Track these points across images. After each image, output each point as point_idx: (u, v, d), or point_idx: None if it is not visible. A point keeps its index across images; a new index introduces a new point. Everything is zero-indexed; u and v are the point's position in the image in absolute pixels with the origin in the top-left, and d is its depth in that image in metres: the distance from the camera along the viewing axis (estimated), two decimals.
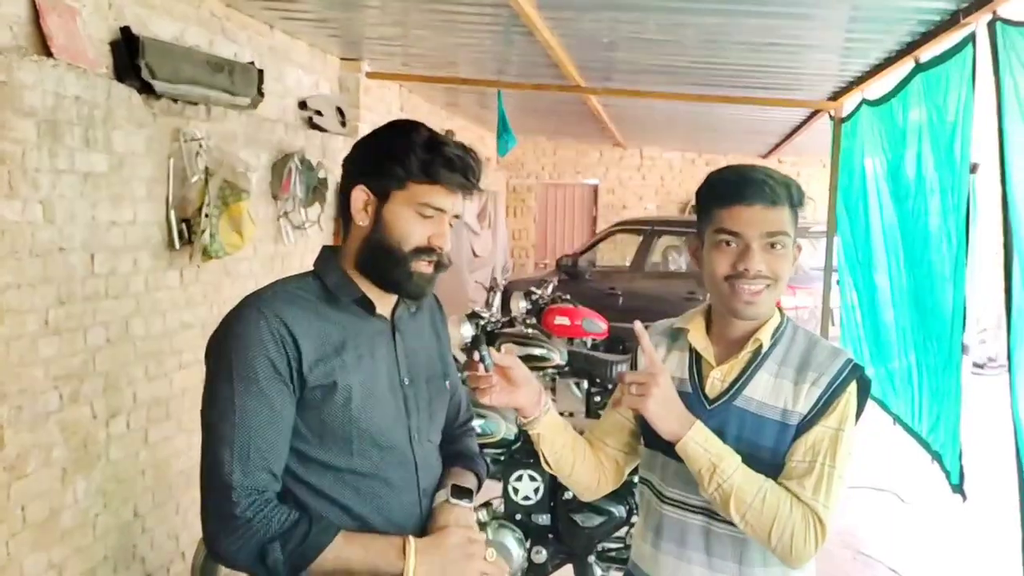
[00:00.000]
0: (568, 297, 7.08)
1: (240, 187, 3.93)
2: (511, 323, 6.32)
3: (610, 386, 5.84)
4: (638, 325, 1.75)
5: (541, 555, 3.58)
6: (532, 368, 5.31)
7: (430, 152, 1.61)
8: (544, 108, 8.74)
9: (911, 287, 4.52)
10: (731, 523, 1.64)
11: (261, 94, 4.50)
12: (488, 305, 6.79)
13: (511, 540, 3.53)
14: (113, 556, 3.54)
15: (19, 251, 2.94)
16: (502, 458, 3.64)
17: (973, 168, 3.71)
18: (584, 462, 1.87)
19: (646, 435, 1.82)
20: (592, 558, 3.60)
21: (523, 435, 3.58)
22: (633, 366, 1.92)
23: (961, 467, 3.82)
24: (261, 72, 4.52)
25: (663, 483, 1.78)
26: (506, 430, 3.57)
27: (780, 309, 1.78)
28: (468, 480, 1.85)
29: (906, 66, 4.41)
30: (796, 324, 1.79)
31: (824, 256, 6.18)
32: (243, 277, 4.43)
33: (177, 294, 3.91)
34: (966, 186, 3.66)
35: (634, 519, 3.49)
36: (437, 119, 8.13)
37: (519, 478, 3.59)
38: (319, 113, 5.51)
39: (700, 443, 1.62)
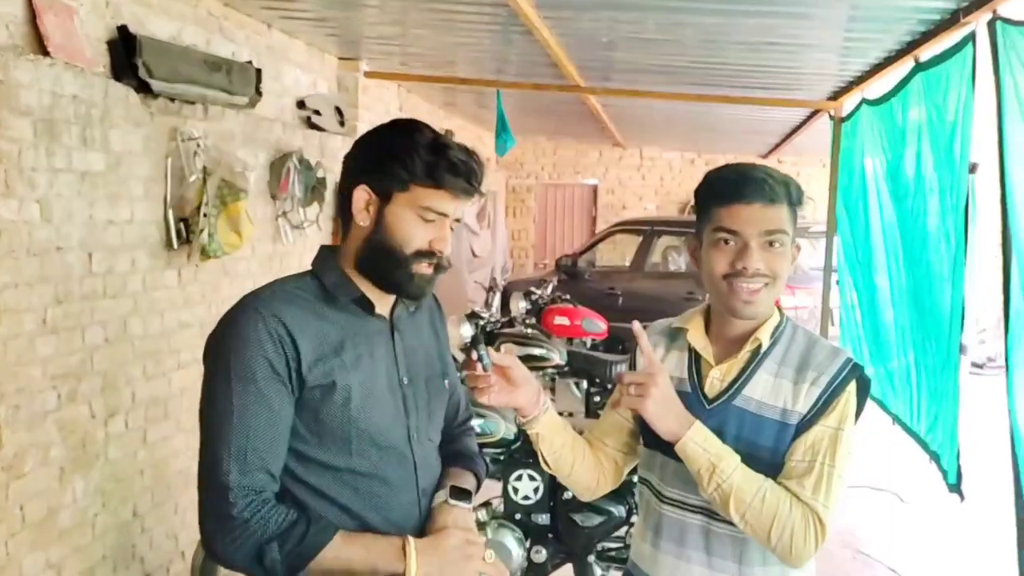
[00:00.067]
0: (567, 297, 7.08)
1: (238, 186, 3.93)
2: (510, 323, 6.31)
3: (609, 386, 5.84)
4: (636, 325, 1.75)
5: (541, 555, 3.57)
6: (531, 368, 5.30)
7: (434, 155, 1.60)
8: (543, 108, 8.74)
9: (910, 287, 4.51)
10: (730, 523, 1.63)
11: (259, 93, 4.49)
12: (488, 305, 6.79)
13: (511, 540, 3.52)
14: (112, 556, 3.53)
15: (16, 250, 2.94)
16: (502, 458, 3.64)
17: (972, 168, 3.71)
18: (583, 462, 1.86)
19: (645, 435, 1.81)
20: (592, 558, 3.60)
21: (523, 435, 3.57)
22: (632, 366, 1.91)
23: (959, 467, 3.81)
24: (259, 71, 4.51)
25: (662, 483, 1.77)
26: (505, 430, 3.57)
27: (779, 308, 1.77)
28: (467, 480, 1.84)
29: (906, 65, 4.40)
30: (795, 323, 1.79)
31: (824, 256, 6.18)
32: (241, 277, 4.42)
33: (175, 293, 3.90)
34: (965, 186, 3.65)
35: (634, 519, 3.49)
36: (436, 119, 8.12)
37: (519, 478, 3.59)
38: (317, 112, 5.50)
39: (699, 443, 1.62)
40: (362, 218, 1.64)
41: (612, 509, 3.50)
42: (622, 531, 3.60)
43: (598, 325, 6.71)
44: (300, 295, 1.63)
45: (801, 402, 1.65)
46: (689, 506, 1.73)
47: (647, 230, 9.68)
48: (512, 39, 5.16)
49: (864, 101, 5.33)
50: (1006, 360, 3.11)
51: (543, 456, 1.82)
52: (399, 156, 1.60)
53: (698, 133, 10.55)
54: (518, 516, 3.60)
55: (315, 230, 5.24)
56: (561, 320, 6.59)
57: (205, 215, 3.81)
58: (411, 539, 1.59)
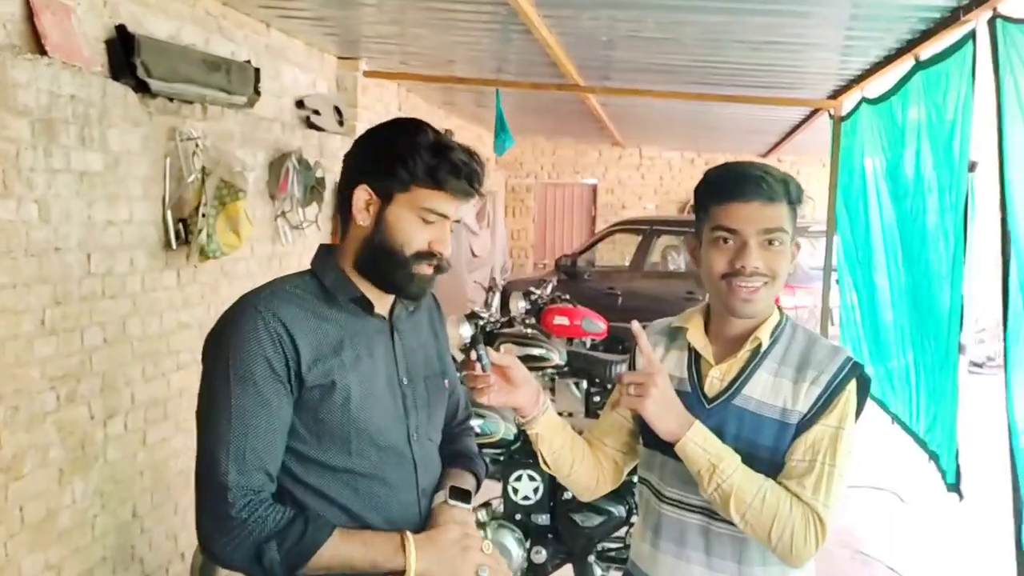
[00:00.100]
0: (567, 297, 7.07)
1: (237, 186, 3.92)
2: (510, 323, 6.31)
3: (609, 386, 5.83)
4: (636, 325, 1.74)
5: (541, 555, 3.57)
6: (531, 368, 5.30)
7: (436, 156, 1.59)
8: (543, 107, 8.73)
9: (909, 286, 4.51)
10: (730, 522, 1.63)
11: (258, 93, 4.48)
12: (487, 305, 6.78)
13: (510, 540, 3.52)
14: (111, 557, 3.52)
15: (14, 251, 2.93)
16: (501, 458, 3.63)
17: (972, 166, 3.70)
18: (583, 462, 1.86)
19: (645, 434, 1.80)
20: (592, 558, 3.59)
21: (522, 435, 3.57)
22: (631, 366, 1.91)
23: (957, 466, 3.81)
24: (258, 71, 4.50)
25: (662, 482, 1.77)
26: (505, 430, 3.57)
27: (779, 307, 1.77)
28: (467, 481, 1.84)
29: (906, 64, 4.40)
30: (795, 322, 1.78)
31: (823, 255, 6.18)
32: (240, 277, 4.42)
33: (174, 294, 3.89)
34: (964, 185, 3.65)
35: (633, 519, 3.49)
36: (435, 118, 8.11)
37: (518, 478, 3.58)
38: (316, 112, 5.50)
39: (699, 443, 1.61)
40: (362, 218, 1.63)
41: (612, 509, 3.49)
42: (622, 531, 3.60)
43: (598, 325, 6.71)
44: (299, 294, 1.62)
45: (801, 401, 1.65)
46: (689, 506, 1.72)
47: (646, 230, 9.68)
48: (511, 38, 5.15)
49: (864, 100, 5.32)
50: (1004, 359, 3.11)
51: (542, 456, 1.81)
52: (401, 157, 1.59)
53: (697, 132, 10.55)
54: (518, 516, 3.59)
55: (314, 230, 5.23)
56: (561, 320, 6.58)
57: (204, 215, 3.80)
58: (409, 534, 1.59)
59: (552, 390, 5.96)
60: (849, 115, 5.78)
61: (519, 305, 6.69)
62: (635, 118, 9.48)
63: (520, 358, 1.79)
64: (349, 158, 1.69)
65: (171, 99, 3.76)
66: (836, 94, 6.02)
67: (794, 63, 5.31)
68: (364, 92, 6.24)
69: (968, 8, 3.50)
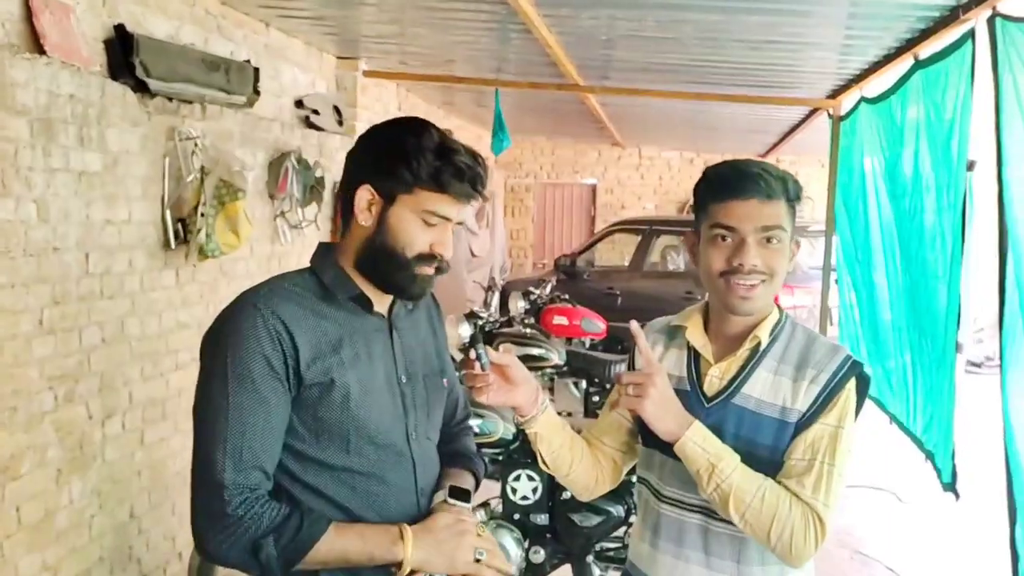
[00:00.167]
0: (566, 297, 7.07)
1: (236, 186, 3.91)
2: (509, 323, 6.30)
3: (608, 386, 5.83)
4: (635, 325, 1.74)
5: (539, 555, 3.56)
6: (530, 368, 5.29)
7: (440, 159, 1.59)
8: (542, 107, 8.73)
9: (907, 286, 4.51)
10: (729, 522, 1.63)
11: (257, 93, 4.48)
12: (486, 305, 6.78)
13: (509, 540, 3.51)
14: (109, 557, 3.52)
15: (12, 250, 2.92)
16: (500, 458, 3.63)
17: (970, 165, 3.70)
18: (582, 461, 1.85)
19: (644, 434, 1.80)
20: (590, 558, 3.59)
21: (521, 435, 3.56)
22: (630, 366, 1.91)
23: (954, 466, 3.81)
24: (257, 70, 4.50)
25: (661, 482, 1.76)
26: (504, 430, 3.56)
27: (779, 306, 1.76)
28: (466, 481, 1.84)
29: (905, 63, 4.40)
30: (795, 321, 1.78)
31: (823, 255, 6.18)
32: (239, 277, 4.41)
33: (173, 294, 3.89)
34: (963, 183, 3.64)
35: (632, 519, 3.48)
36: (435, 118, 8.09)
37: (517, 478, 3.58)
38: (316, 112, 5.49)
39: (698, 443, 1.61)
40: (364, 218, 1.63)
41: (610, 509, 3.49)
42: (620, 531, 3.59)
43: (597, 325, 6.71)
44: (298, 292, 1.62)
45: (800, 400, 1.64)
46: (688, 505, 1.72)
47: (646, 230, 9.68)
48: (511, 37, 5.15)
49: (863, 99, 5.32)
50: (1000, 358, 3.11)
51: (541, 456, 1.81)
52: (405, 158, 1.59)
53: (697, 132, 10.55)
54: (516, 516, 3.59)
55: (313, 230, 5.23)
56: (560, 320, 6.58)
57: (203, 215, 3.80)
58: (406, 526, 1.60)
59: (551, 390, 5.96)
60: (848, 114, 5.78)
61: (518, 305, 6.69)
62: (634, 118, 9.48)
63: (519, 358, 1.78)
64: (352, 157, 1.68)
65: (170, 99, 3.76)
66: (835, 93, 6.02)
67: (793, 62, 5.31)
68: (363, 92, 6.24)
69: (967, 7, 3.50)
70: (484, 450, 3.49)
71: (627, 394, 1.64)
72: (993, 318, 3.11)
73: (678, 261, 9.65)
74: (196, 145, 3.82)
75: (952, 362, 3.81)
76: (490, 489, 3.53)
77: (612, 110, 8.76)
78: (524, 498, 3.58)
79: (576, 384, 6.05)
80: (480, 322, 5.82)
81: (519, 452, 3.61)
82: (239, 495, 1.50)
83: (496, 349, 1.72)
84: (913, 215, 4.32)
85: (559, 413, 1.86)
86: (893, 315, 4.86)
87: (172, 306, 3.88)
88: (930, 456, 4.13)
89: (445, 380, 1.86)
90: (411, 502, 1.70)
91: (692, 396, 1.72)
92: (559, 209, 13.99)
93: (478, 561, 1.62)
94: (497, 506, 3.67)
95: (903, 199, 4.50)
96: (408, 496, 1.70)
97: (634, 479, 1.93)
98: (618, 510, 3.49)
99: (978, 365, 9.64)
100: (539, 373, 5.76)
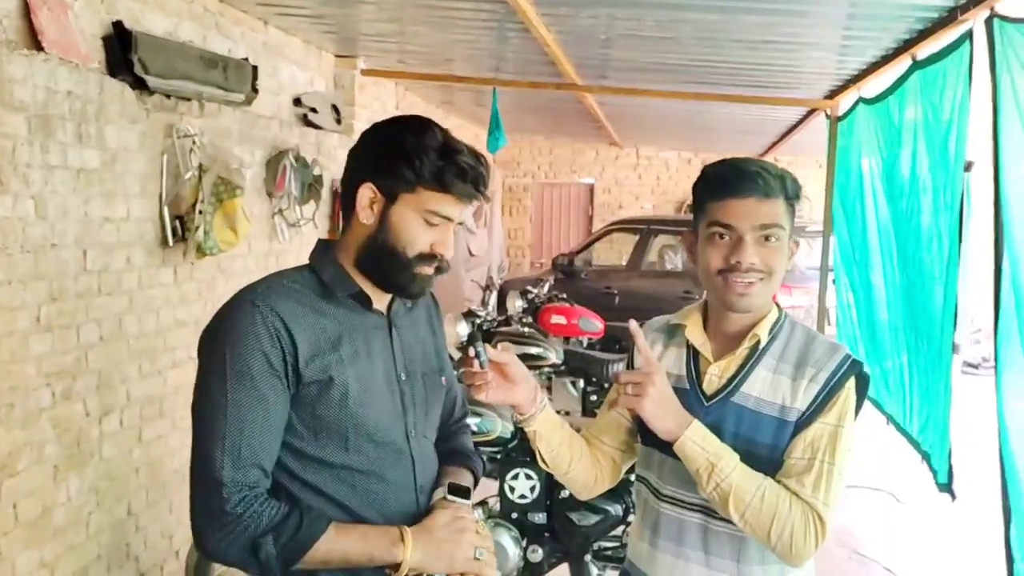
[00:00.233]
0: (564, 296, 7.07)
1: (234, 184, 3.91)
2: (507, 322, 6.30)
3: (606, 385, 5.83)
4: (633, 324, 1.74)
5: (537, 554, 3.56)
6: (528, 367, 5.29)
7: (443, 159, 1.58)
8: (540, 106, 8.73)
9: (904, 286, 4.52)
10: (729, 521, 1.62)
11: (255, 90, 4.48)
12: (484, 304, 6.79)
13: (507, 539, 3.51)
14: (106, 554, 3.52)
15: (10, 247, 2.92)
16: (498, 457, 3.63)
17: (968, 166, 3.70)
18: (581, 460, 1.85)
19: (643, 433, 1.80)
20: (588, 557, 3.59)
21: (519, 433, 3.56)
22: (629, 365, 1.91)
23: (950, 466, 3.81)
24: (255, 68, 4.49)
25: (660, 481, 1.76)
26: (502, 428, 3.56)
27: (778, 305, 1.76)
28: (465, 478, 1.84)
29: (903, 64, 4.40)
30: (794, 320, 1.78)
31: (820, 255, 6.18)
32: (237, 274, 4.41)
33: (171, 291, 3.88)
34: (960, 184, 3.65)
35: (630, 518, 3.48)
36: (433, 117, 8.04)
37: (515, 477, 3.58)
38: (314, 110, 5.49)
39: (698, 442, 1.61)
40: (365, 216, 1.62)
41: (609, 508, 3.49)
42: (619, 530, 3.59)
43: (595, 324, 6.71)
44: (297, 289, 1.62)
45: (800, 399, 1.64)
46: (687, 504, 1.72)
47: (643, 229, 9.70)
48: (509, 37, 5.15)
49: (861, 100, 5.32)
50: (995, 360, 3.12)
51: (540, 454, 1.81)
52: (408, 157, 1.58)
53: (694, 132, 10.55)
54: (514, 515, 3.59)
55: (311, 228, 5.22)
56: (558, 319, 6.58)
57: (201, 212, 3.80)
58: (407, 528, 1.59)
59: (549, 389, 5.96)
60: (846, 115, 5.78)
61: (516, 304, 6.69)
62: (632, 118, 9.48)
63: (517, 357, 1.78)
64: (354, 154, 1.68)
65: (168, 96, 3.75)
66: (833, 94, 6.02)
67: (791, 62, 5.31)
68: (362, 90, 6.23)
69: (965, 7, 3.50)
70: (482, 449, 3.49)
71: (626, 393, 1.64)
72: (990, 319, 3.11)
73: (676, 261, 9.66)
74: (194, 142, 3.82)
75: (948, 363, 3.82)
76: (488, 488, 3.53)
77: (610, 110, 8.76)
78: (522, 497, 3.58)
79: (574, 383, 6.05)
80: (478, 321, 5.82)
81: (517, 451, 3.61)
82: (238, 493, 1.49)
83: (494, 348, 1.72)
84: (910, 216, 4.32)
85: (557, 412, 1.85)
86: (890, 316, 4.86)
87: (170, 303, 3.88)
88: (926, 457, 4.14)
89: (444, 378, 1.86)
90: (410, 500, 1.70)
91: (691, 395, 1.72)
92: (557, 208, 14.00)
93: (477, 559, 1.62)
94: (495, 505, 3.67)
95: (900, 200, 4.50)
96: (407, 494, 1.69)
97: (632, 478, 1.93)
98: (616, 509, 3.49)
99: (975, 366, 9.65)
100: (537, 372, 5.76)
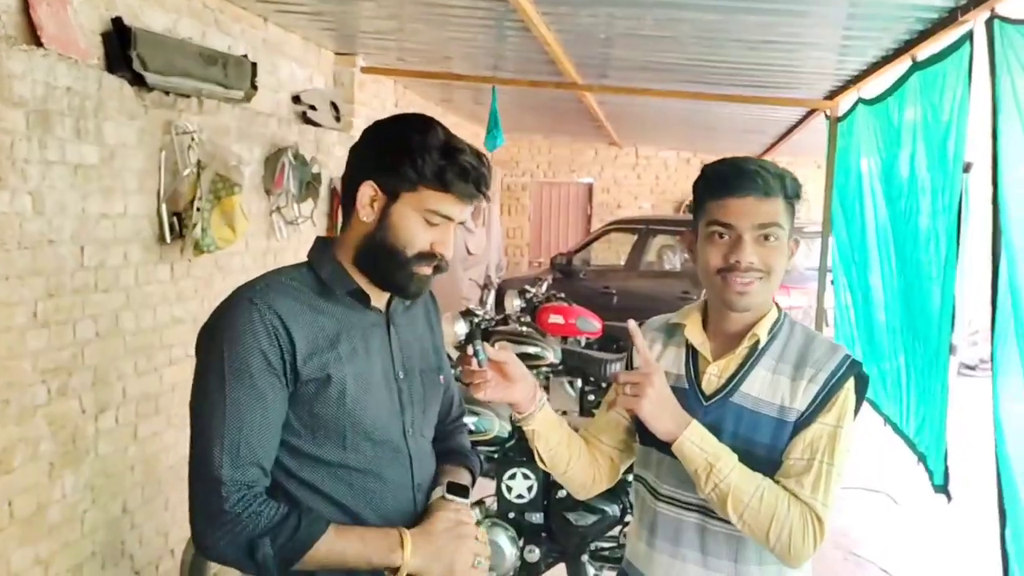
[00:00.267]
0: (562, 296, 7.07)
1: (233, 181, 3.90)
2: (505, 321, 6.30)
3: (604, 385, 5.84)
4: (632, 324, 1.73)
5: (534, 554, 3.56)
6: (526, 366, 5.29)
7: (446, 158, 1.58)
8: (540, 105, 8.73)
9: (902, 287, 4.51)
10: (726, 521, 1.62)
11: (254, 87, 4.47)
12: (482, 303, 6.79)
13: (504, 539, 3.51)
14: (101, 552, 3.51)
15: (7, 243, 2.91)
16: (495, 456, 3.62)
17: (967, 167, 3.70)
18: (579, 459, 1.85)
19: (641, 432, 1.79)
20: (585, 557, 3.59)
21: (517, 433, 3.56)
22: (628, 365, 1.90)
23: (946, 468, 3.81)
24: (254, 65, 4.49)
25: (658, 480, 1.76)
26: (500, 428, 3.55)
27: (777, 305, 1.76)
28: (462, 477, 1.83)
29: (903, 64, 4.40)
30: (793, 320, 1.77)
31: (819, 256, 6.18)
32: (235, 272, 4.40)
33: (168, 288, 3.88)
34: (958, 185, 3.64)
35: (628, 518, 3.48)
36: (431, 115, 8.07)
37: (512, 476, 3.58)
38: (313, 108, 5.49)
39: (696, 443, 1.60)
40: (366, 214, 1.61)
41: (606, 508, 3.48)
42: (616, 531, 3.59)
43: (593, 324, 6.71)
44: (295, 287, 1.61)
45: (799, 399, 1.64)
46: (685, 504, 1.71)
47: (642, 229, 9.69)
48: (509, 35, 5.14)
49: (860, 100, 5.32)
50: (991, 361, 3.11)
51: (539, 453, 1.80)
52: (410, 156, 1.57)
53: (694, 132, 10.55)
54: (511, 515, 3.58)
55: (309, 225, 5.21)
56: (556, 318, 6.59)
57: (199, 209, 3.79)
58: (407, 532, 1.58)
59: (547, 388, 5.96)
60: (845, 116, 5.78)
61: (514, 303, 6.70)
62: (632, 117, 9.48)
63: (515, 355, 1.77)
64: (356, 151, 1.67)
65: (167, 92, 3.75)
66: (833, 94, 6.02)
67: (791, 63, 5.31)
68: (361, 88, 6.23)
69: (966, 8, 3.50)
70: (479, 448, 3.49)
71: (624, 394, 1.63)
72: (988, 321, 3.11)
73: (674, 261, 9.66)
74: (193, 139, 3.81)
75: (945, 364, 3.82)
76: (485, 487, 3.53)
77: (609, 109, 8.76)
78: (519, 496, 3.57)
79: (571, 383, 6.06)
80: (476, 320, 5.82)
81: (515, 450, 3.60)
82: (236, 492, 1.49)
83: (492, 346, 1.72)
84: (908, 217, 4.32)
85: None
86: (888, 317, 4.86)
87: (167, 300, 3.87)
88: (922, 458, 4.14)
89: (441, 377, 1.85)
90: (407, 498, 1.69)
91: (690, 394, 1.72)
92: (555, 208, 14.00)
93: (475, 568, 1.62)
94: (492, 504, 3.66)
95: (899, 200, 4.50)
96: (405, 492, 1.69)
97: (630, 478, 1.93)
98: (613, 509, 3.48)
99: (972, 367, 9.65)
100: (534, 371, 5.76)
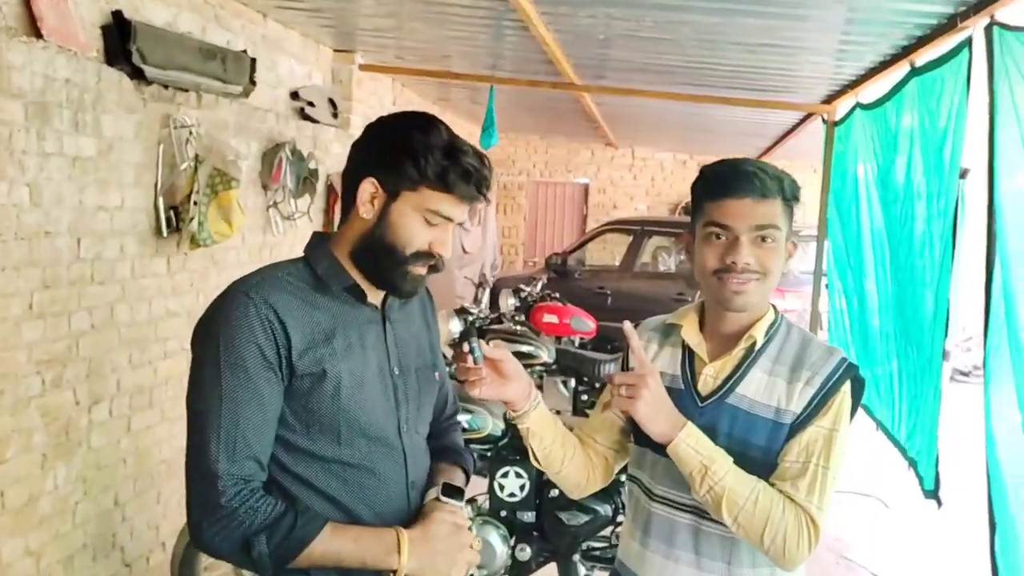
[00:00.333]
0: (557, 295, 7.07)
1: (230, 175, 3.90)
2: (499, 320, 6.30)
3: (597, 385, 5.84)
4: (627, 325, 1.73)
5: (525, 553, 3.56)
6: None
7: (448, 159, 1.57)
8: (537, 105, 8.73)
9: (896, 293, 4.52)
10: (721, 522, 1.62)
11: (253, 83, 4.47)
12: (476, 301, 6.78)
13: (495, 537, 3.51)
14: (92, 544, 3.50)
15: (4, 234, 2.91)
16: (489, 454, 3.62)
17: (963, 173, 3.71)
18: (573, 458, 1.85)
19: (636, 432, 1.79)
20: (576, 557, 3.59)
21: (510, 431, 3.56)
22: (624, 367, 1.90)
23: (936, 473, 3.82)
24: (254, 61, 4.49)
25: (652, 480, 1.76)
26: (493, 426, 3.56)
27: (774, 307, 1.76)
28: (456, 477, 1.83)
29: (901, 70, 4.40)
30: (790, 322, 1.77)
31: (814, 260, 6.19)
32: (230, 266, 4.40)
33: (163, 281, 3.87)
34: (954, 191, 3.65)
35: (620, 518, 3.48)
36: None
37: (505, 474, 3.58)
38: (311, 104, 5.48)
39: (691, 445, 1.60)
40: (365, 210, 1.61)
41: (598, 508, 3.49)
42: (607, 531, 3.59)
43: (587, 324, 6.71)
44: (291, 282, 1.60)
45: (795, 402, 1.64)
46: (679, 505, 1.71)
47: (637, 230, 9.70)
48: (508, 34, 5.15)
49: (858, 105, 5.33)
50: (984, 367, 3.12)
51: (533, 452, 1.80)
52: (412, 155, 1.57)
53: (690, 134, 10.56)
54: (503, 513, 3.58)
55: (306, 221, 5.21)
56: (550, 318, 6.58)
57: (196, 203, 3.79)
58: (404, 533, 1.58)
59: (540, 388, 5.95)
60: (843, 120, 5.79)
61: (509, 302, 6.70)
62: (629, 118, 9.48)
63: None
64: (358, 147, 1.66)
65: (166, 86, 3.74)
66: (830, 99, 6.04)
67: (789, 66, 5.32)
68: (359, 85, 6.22)
69: (965, 15, 3.51)
70: (473, 446, 3.49)
71: (620, 395, 1.63)
72: (981, 327, 3.11)
73: (669, 262, 9.68)
74: (191, 133, 3.81)
75: (938, 370, 3.82)
76: (477, 485, 3.53)
77: (607, 110, 8.77)
78: (511, 495, 3.57)
79: (565, 383, 6.05)
80: (470, 318, 5.82)
81: (508, 448, 3.61)
82: (233, 486, 1.48)
83: (488, 344, 1.72)
84: (903, 222, 4.33)
85: None
86: (882, 322, 4.87)
87: (162, 294, 3.87)
88: (913, 463, 4.15)
89: (436, 374, 1.85)
90: (401, 495, 1.69)
91: (686, 395, 1.72)
92: (551, 208, 14.00)
93: None
94: (484, 502, 3.66)
95: (894, 206, 4.51)
96: (399, 489, 1.68)
97: (623, 478, 1.93)
98: (606, 509, 3.49)
99: (966, 373, 9.68)
100: (528, 371, 5.73)
